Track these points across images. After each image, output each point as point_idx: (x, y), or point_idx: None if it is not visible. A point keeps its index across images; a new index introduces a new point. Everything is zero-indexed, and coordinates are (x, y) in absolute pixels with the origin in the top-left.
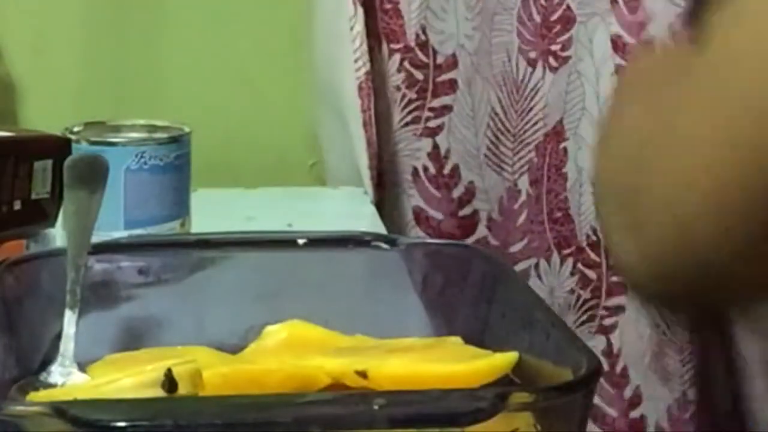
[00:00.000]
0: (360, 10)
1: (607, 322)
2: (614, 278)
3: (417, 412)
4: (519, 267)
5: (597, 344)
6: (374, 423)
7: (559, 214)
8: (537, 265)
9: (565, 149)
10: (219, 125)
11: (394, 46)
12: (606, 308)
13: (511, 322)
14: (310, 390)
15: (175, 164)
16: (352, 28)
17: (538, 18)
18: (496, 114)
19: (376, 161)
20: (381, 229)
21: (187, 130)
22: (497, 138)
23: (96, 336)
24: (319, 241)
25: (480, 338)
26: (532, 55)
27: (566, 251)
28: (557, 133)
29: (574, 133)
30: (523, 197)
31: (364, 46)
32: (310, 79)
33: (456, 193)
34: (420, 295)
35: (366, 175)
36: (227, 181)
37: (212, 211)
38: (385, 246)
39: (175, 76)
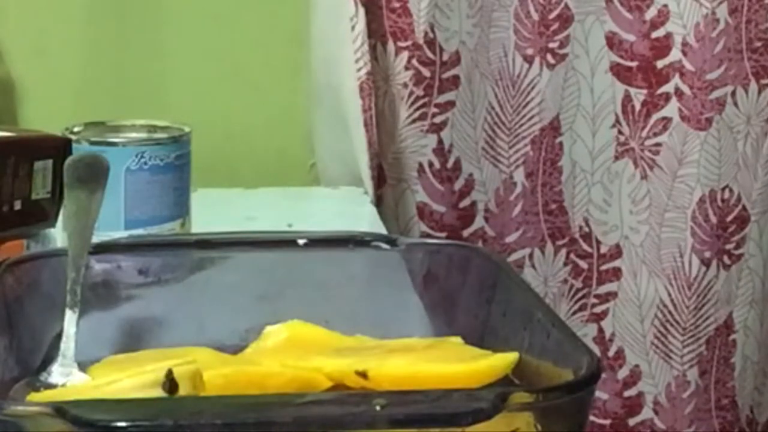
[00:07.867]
0: (361, 10)
1: (598, 309)
2: (604, 267)
3: (417, 412)
4: (514, 257)
5: (588, 332)
6: (374, 423)
7: (553, 206)
8: (531, 255)
9: (560, 144)
10: (219, 125)
11: (401, 44)
12: (597, 296)
13: (511, 322)
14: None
15: (175, 164)
16: (353, 28)
17: (536, 15)
18: (492, 108)
19: (376, 161)
20: (381, 229)
21: (187, 130)
22: (494, 131)
23: (96, 336)
24: (319, 241)
25: (480, 338)
26: (530, 51)
27: (560, 242)
28: (554, 128)
29: (569, 128)
30: (518, 189)
31: (365, 46)
32: (306, 81)
33: (457, 185)
34: (420, 295)
35: (366, 174)
36: (227, 181)
37: (212, 211)
38: (385, 246)
39: (175, 76)
